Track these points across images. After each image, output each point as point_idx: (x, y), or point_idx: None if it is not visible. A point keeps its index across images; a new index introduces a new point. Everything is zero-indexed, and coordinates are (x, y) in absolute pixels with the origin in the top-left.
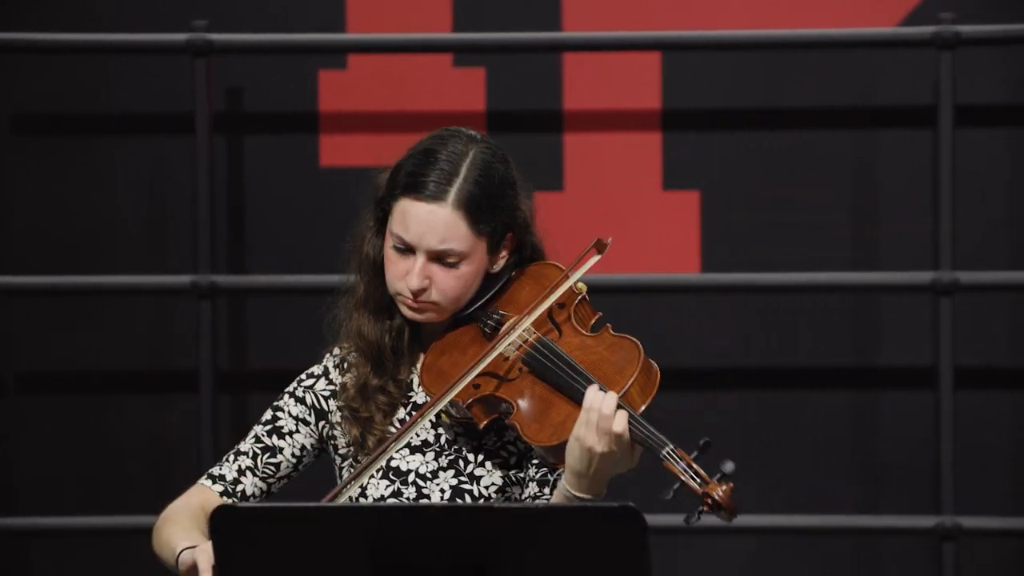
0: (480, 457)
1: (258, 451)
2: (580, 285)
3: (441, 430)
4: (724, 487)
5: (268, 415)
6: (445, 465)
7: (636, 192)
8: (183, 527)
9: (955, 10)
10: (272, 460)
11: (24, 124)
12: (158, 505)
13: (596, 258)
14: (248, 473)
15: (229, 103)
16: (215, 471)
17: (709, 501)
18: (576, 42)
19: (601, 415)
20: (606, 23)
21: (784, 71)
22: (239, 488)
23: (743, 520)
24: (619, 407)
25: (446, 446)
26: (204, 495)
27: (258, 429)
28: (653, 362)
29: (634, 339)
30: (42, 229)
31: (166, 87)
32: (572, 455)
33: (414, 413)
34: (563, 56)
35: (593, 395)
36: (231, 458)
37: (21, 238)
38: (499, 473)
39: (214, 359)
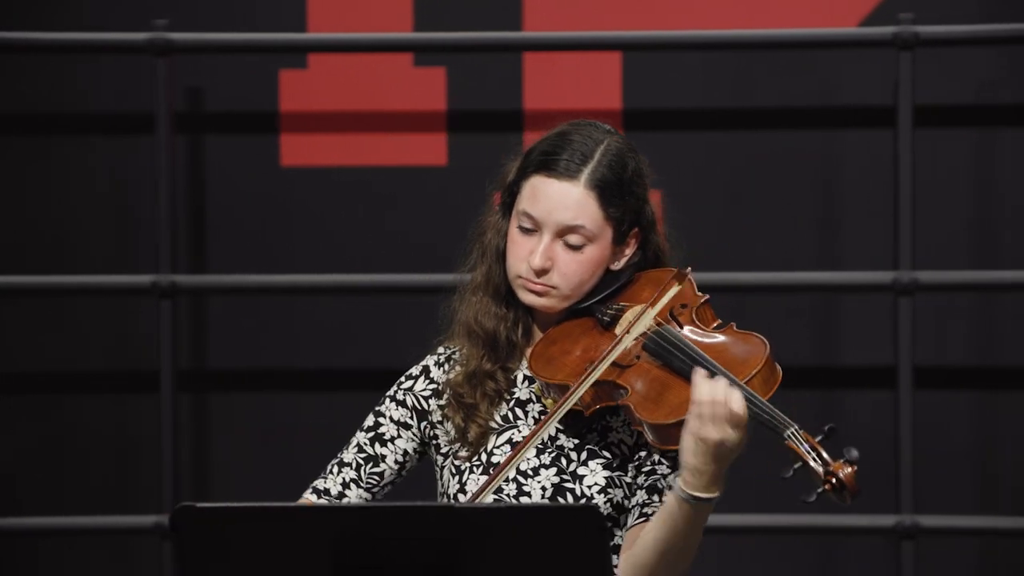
0: (583, 456)
1: (361, 461)
2: (701, 293)
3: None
4: (849, 468)
5: (370, 421)
6: (548, 462)
7: None
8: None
9: (915, 11)
10: (375, 470)
11: None
12: (120, 504)
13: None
14: (352, 485)
15: (190, 102)
16: (319, 484)
17: (833, 480)
18: (537, 42)
19: (715, 403)
20: (567, 23)
21: (745, 71)
22: (345, 502)
23: None
24: (736, 387)
25: (548, 443)
26: None
27: (360, 437)
28: (778, 365)
29: (761, 336)
30: (1, 229)
31: (126, 86)
32: (687, 449)
33: (516, 409)
34: (524, 56)
35: (702, 386)
36: (334, 470)
37: None
38: (602, 473)
39: (175, 359)
